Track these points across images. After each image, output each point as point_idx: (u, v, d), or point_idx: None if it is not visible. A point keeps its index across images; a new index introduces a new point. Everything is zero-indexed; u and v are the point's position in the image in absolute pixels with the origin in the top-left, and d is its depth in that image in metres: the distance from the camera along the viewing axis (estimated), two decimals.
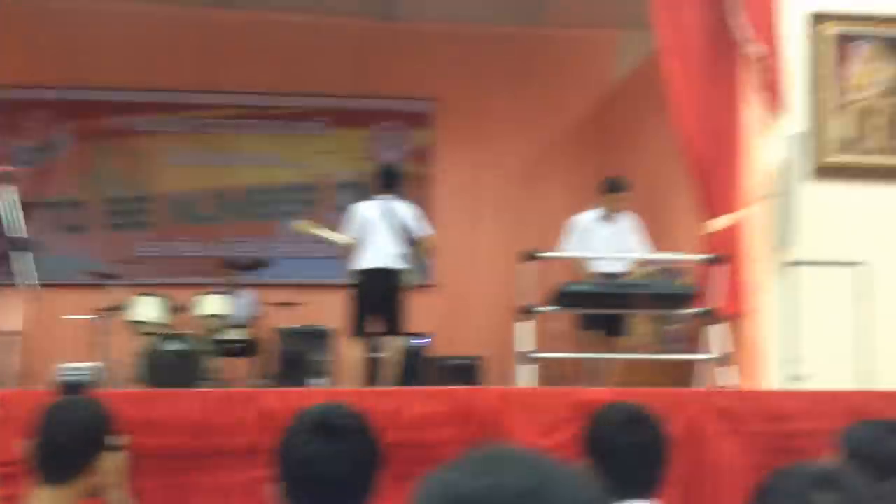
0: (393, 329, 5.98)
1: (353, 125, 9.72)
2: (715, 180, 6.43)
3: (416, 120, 9.78)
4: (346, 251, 6.17)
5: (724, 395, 4.56)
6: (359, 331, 5.96)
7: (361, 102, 9.70)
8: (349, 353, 5.94)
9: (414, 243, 6.12)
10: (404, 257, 6.03)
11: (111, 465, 2.15)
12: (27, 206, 7.58)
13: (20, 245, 5.77)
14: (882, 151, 6.64)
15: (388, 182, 6.27)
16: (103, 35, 9.15)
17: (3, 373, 5.81)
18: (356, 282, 6.03)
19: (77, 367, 2.00)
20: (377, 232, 5.98)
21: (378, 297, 5.96)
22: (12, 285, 5.73)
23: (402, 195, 6.45)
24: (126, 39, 9.18)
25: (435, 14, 9.16)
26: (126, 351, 7.08)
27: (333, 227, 6.47)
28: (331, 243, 6.33)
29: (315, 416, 1.76)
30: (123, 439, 2.23)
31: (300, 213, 9.32)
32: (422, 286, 8.74)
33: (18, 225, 5.81)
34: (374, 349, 6.35)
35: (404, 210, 6.15)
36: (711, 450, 4.31)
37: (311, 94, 9.59)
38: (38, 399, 4.26)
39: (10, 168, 6.17)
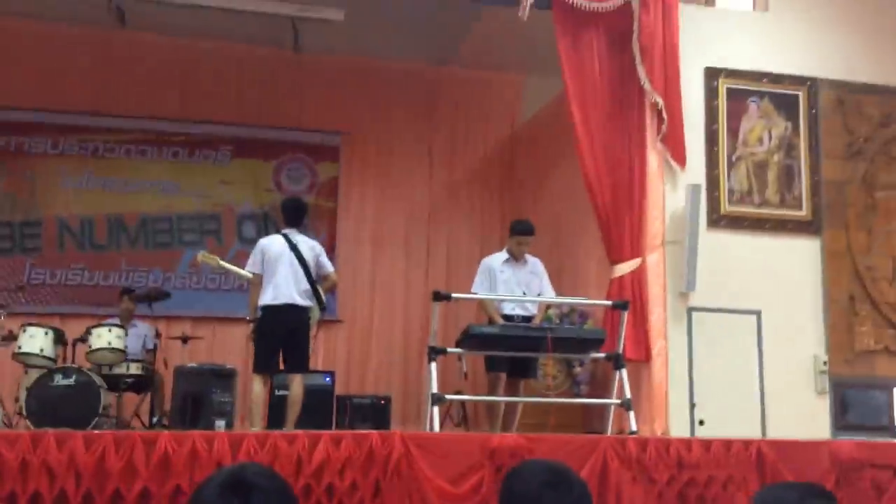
0: (296, 366, 5.86)
1: (257, 156, 9.54)
2: (619, 225, 6.63)
3: (322, 153, 9.68)
4: (250, 285, 6.03)
5: (630, 442, 4.63)
6: (262, 367, 5.81)
7: (267, 133, 9.52)
8: (252, 390, 5.77)
9: (318, 280, 6.03)
10: (308, 294, 5.94)
11: None
12: None
13: None
14: (772, 204, 6.97)
15: (294, 217, 6.18)
16: None
17: None
18: (260, 317, 5.89)
19: None
20: (281, 268, 5.88)
21: (281, 333, 5.83)
22: None
23: (307, 230, 6.37)
24: (19, 57, 8.78)
25: (343, 47, 9.15)
26: (12, 385, 6.70)
27: (237, 258, 6.31)
28: (237, 276, 6.17)
29: (226, 475, 1.67)
30: None
31: (201, 244, 9.12)
32: (326, 321, 8.64)
33: None
34: (279, 387, 6.20)
35: (309, 246, 6.07)
36: (616, 496, 4.37)
37: (215, 123, 9.36)
38: None
39: None
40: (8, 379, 6.79)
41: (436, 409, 5.23)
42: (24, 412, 5.98)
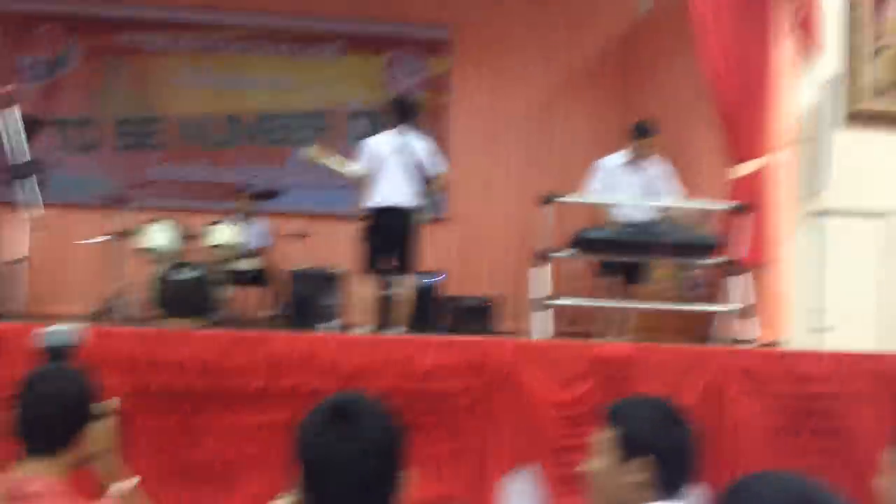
0: (405, 268, 5.87)
1: (368, 51, 9.41)
2: (742, 123, 6.23)
3: (433, 47, 9.46)
4: (359, 184, 6.01)
5: (747, 355, 4.46)
6: (370, 268, 5.85)
7: (377, 27, 9.37)
8: (361, 291, 5.84)
9: (428, 180, 5.95)
10: (418, 194, 5.88)
11: (100, 433, 2.07)
12: (35, 124, 7.42)
13: (24, 171, 5.61)
14: None
15: (403, 115, 6.06)
16: None
17: (11, 300, 5.76)
18: (369, 218, 5.89)
19: (60, 330, 1.92)
20: (391, 168, 5.81)
21: (391, 234, 5.83)
22: (17, 205, 5.61)
23: (417, 129, 6.25)
24: None
25: None
26: (138, 277, 7.04)
27: (346, 157, 6.27)
28: (342, 174, 6.16)
29: (333, 402, 1.63)
30: (113, 404, 2.14)
31: (313, 141, 9.17)
32: (435, 219, 8.62)
33: (22, 148, 5.65)
34: (387, 287, 6.26)
35: (419, 145, 5.96)
36: (732, 409, 4.24)
37: (326, 18, 9.27)
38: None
39: (11, 89, 5.95)
40: (137, 270, 7.12)
41: (545, 314, 5.17)
42: (152, 304, 6.30)
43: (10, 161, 5.70)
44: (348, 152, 7.19)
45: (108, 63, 9.14)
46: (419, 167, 5.86)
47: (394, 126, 6.01)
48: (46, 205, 5.67)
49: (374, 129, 7.27)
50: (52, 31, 9.05)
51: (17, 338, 4.05)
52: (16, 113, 5.69)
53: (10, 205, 5.77)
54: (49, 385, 2.03)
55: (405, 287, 5.80)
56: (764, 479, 1.28)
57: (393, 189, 5.78)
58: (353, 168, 5.98)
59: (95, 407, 2.09)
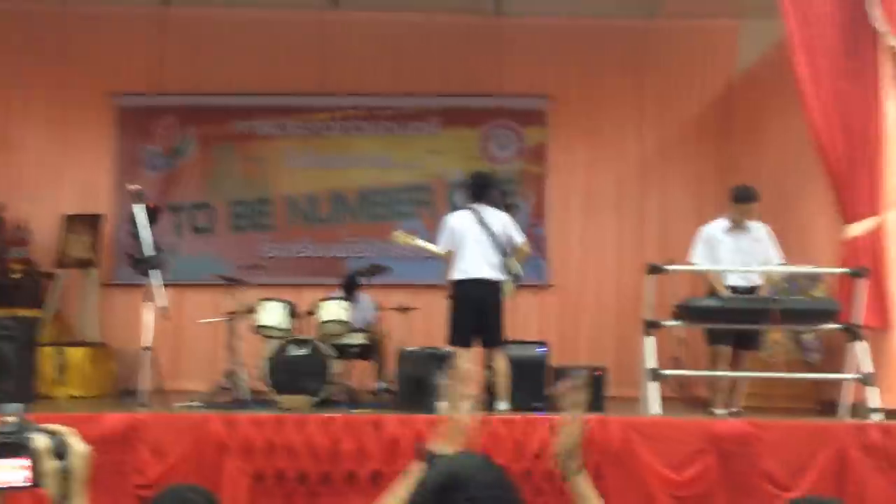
0: (493, 341, 5.93)
1: (465, 124, 9.66)
2: (853, 181, 6.08)
3: (529, 117, 9.63)
4: (445, 261, 6.14)
5: (870, 429, 4.29)
6: (458, 342, 5.92)
7: (473, 101, 9.61)
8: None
9: (508, 252, 6.04)
10: (498, 267, 5.97)
11: None
12: (155, 213, 7.87)
13: (152, 263, 5.97)
14: None
15: (480, 191, 6.20)
16: (224, 42, 9.40)
17: (134, 386, 6.07)
18: (454, 293, 6.00)
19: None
20: (470, 243, 5.95)
21: (474, 307, 5.91)
22: (145, 293, 5.94)
23: (495, 203, 6.36)
24: (245, 45, 9.40)
25: (546, 8, 8.97)
26: (254, 353, 7.32)
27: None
28: (431, 253, 6.31)
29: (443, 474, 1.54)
30: None
31: (414, 214, 9.45)
32: (538, 287, 8.66)
33: (149, 242, 6.02)
34: (485, 360, 6.33)
35: (497, 219, 6.08)
36: (857, 487, 4.07)
37: (423, 95, 9.58)
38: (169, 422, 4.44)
39: (140, 187, 6.39)
40: (250, 347, 7.40)
41: (653, 386, 5.11)
42: (265, 380, 6.52)
43: (140, 255, 6.08)
44: None
45: (221, 149, 9.67)
46: (498, 240, 5.96)
47: (470, 202, 6.16)
48: (164, 285, 5.99)
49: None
50: (170, 123, 9.64)
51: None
52: (143, 209, 6.08)
53: (141, 291, 6.12)
54: None
55: (499, 360, 5.85)
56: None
57: (474, 263, 5.91)
58: (437, 247, 6.14)
59: None
